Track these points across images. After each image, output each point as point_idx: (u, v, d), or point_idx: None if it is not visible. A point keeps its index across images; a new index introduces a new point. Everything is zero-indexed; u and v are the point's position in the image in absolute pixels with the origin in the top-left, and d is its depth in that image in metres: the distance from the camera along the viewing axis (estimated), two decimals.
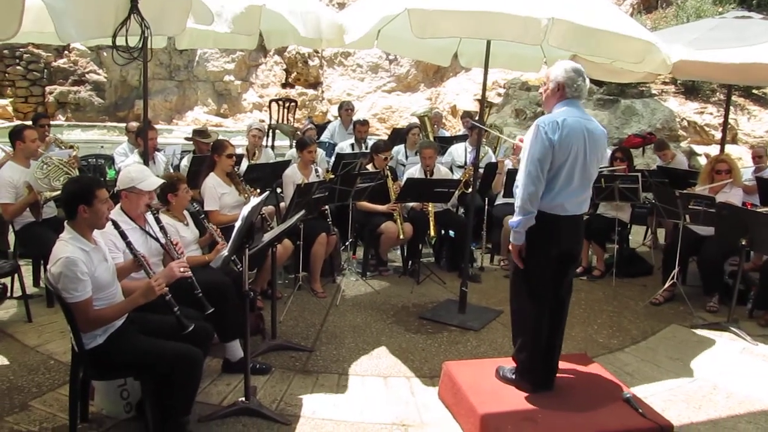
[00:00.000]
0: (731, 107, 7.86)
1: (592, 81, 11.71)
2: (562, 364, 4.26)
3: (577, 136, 3.80)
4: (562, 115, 3.84)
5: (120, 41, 4.19)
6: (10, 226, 5.92)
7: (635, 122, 12.67)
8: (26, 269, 5.95)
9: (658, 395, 4.52)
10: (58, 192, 5.55)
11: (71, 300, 3.34)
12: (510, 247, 4.06)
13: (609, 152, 7.88)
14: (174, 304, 3.65)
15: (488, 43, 5.64)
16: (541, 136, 3.78)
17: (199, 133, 7.95)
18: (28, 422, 3.89)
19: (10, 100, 14.13)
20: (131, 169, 4.44)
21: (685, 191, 6.43)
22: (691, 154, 9.97)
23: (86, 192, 3.49)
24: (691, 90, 13.85)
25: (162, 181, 4.56)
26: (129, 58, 4.34)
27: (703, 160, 10.02)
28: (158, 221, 4.37)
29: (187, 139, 8.29)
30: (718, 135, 11.84)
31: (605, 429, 3.78)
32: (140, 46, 4.41)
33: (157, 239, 4.27)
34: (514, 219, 3.92)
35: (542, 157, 3.77)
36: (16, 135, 5.89)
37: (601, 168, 6.94)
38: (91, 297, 3.39)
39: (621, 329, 5.83)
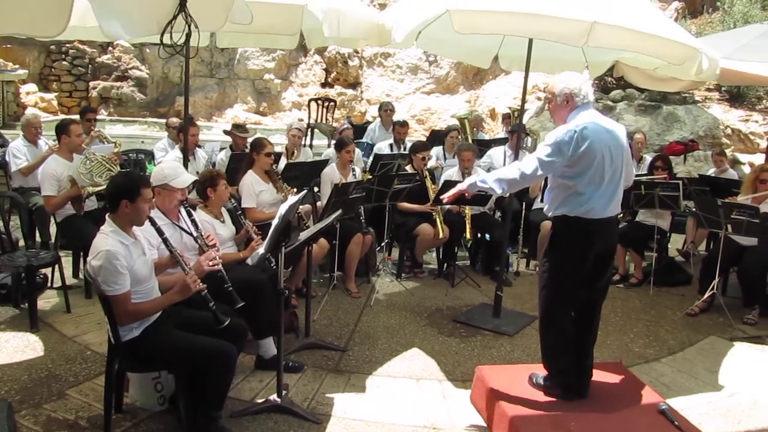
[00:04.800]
0: None
1: (634, 87, 11.59)
2: (597, 373, 4.20)
3: (600, 140, 3.81)
4: (580, 122, 3.84)
5: (165, 37, 4.24)
6: (52, 218, 6.03)
7: (677, 129, 12.44)
8: (66, 260, 6.05)
9: (695, 408, 4.42)
10: (100, 188, 5.64)
11: (111, 293, 3.39)
12: (463, 186, 4.13)
13: (648, 159, 7.76)
14: (210, 299, 3.69)
15: (530, 43, 5.57)
16: (559, 143, 3.80)
17: (237, 128, 8.02)
18: (65, 410, 3.96)
19: (56, 94, 14.43)
20: (164, 166, 4.49)
21: (727, 200, 6.30)
22: (734, 163, 9.77)
23: (132, 188, 3.55)
24: (735, 97, 13.57)
25: (194, 178, 4.59)
26: (172, 52, 4.38)
27: (747, 170, 9.81)
28: (189, 215, 4.41)
29: (225, 132, 8.37)
30: (764, 144, 11.62)
31: None
32: (184, 42, 4.45)
33: (189, 233, 4.31)
34: (484, 180, 4.01)
35: (549, 163, 3.83)
36: (62, 129, 6.01)
37: (638, 175, 6.87)
38: (129, 290, 3.44)
39: (658, 339, 5.73)
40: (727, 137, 12.96)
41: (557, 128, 3.92)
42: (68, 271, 6.09)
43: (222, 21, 4.44)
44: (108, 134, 8.06)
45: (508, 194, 3.98)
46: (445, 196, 4.29)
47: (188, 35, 4.32)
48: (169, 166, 4.45)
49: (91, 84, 14.93)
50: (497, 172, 4.12)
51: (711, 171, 8.96)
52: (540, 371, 4.24)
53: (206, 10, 4.35)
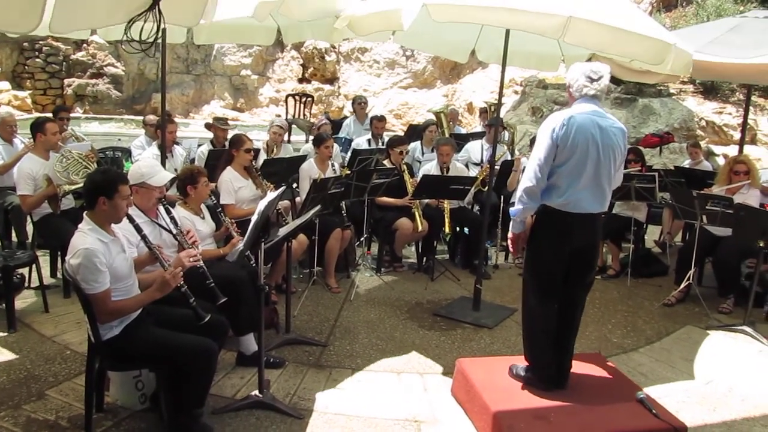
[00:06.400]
0: (751, 107, 7.79)
1: (611, 79, 11.69)
2: (576, 363, 4.25)
3: (585, 134, 3.80)
4: (571, 112, 3.87)
5: (135, 34, 4.20)
6: (29, 217, 5.97)
7: (653, 122, 12.59)
8: (44, 260, 6.01)
9: (672, 396, 4.50)
10: (77, 186, 5.59)
11: (91, 291, 3.37)
12: (509, 236, 4.22)
13: None
14: (190, 295, 3.68)
15: (507, 33, 5.58)
16: (546, 133, 3.85)
17: (219, 120, 8.00)
18: (45, 411, 3.93)
19: (29, 92, 14.27)
20: (141, 164, 4.44)
21: (702, 192, 6.39)
22: (709, 155, 9.91)
23: (109, 185, 3.52)
24: (710, 90, 13.74)
25: (172, 175, 4.57)
26: (138, 49, 4.34)
27: (721, 161, 9.94)
28: (168, 212, 4.39)
29: (206, 125, 8.33)
30: (737, 135, 11.78)
31: (618, 429, 3.77)
32: (154, 40, 4.41)
33: (169, 230, 4.29)
34: (512, 209, 4.09)
35: (545, 155, 3.85)
36: (37, 127, 5.92)
37: None
38: (110, 288, 3.42)
39: (635, 329, 5.80)
40: (702, 129, 13.14)
41: (545, 121, 3.96)
42: (46, 270, 6.04)
43: (197, 18, 4.42)
44: (82, 132, 7.99)
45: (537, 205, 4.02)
46: (512, 250, 4.42)
47: (161, 30, 4.28)
48: (146, 165, 4.41)
49: (66, 81, 14.80)
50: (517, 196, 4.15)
51: (686, 163, 9.08)
52: (520, 362, 4.28)
53: (180, 5, 4.32)
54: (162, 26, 4.13)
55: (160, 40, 4.35)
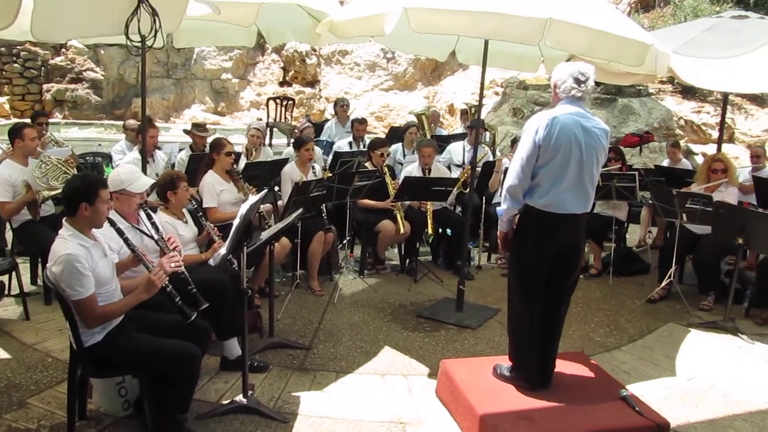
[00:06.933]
0: (728, 106, 7.86)
1: None
2: (559, 362, 4.27)
3: (569, 134, 3.81)
4: (554, 112, 3.88)
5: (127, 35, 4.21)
6: (8, 224, 5.92)
7: (632, 121, 12.68)
8: (24, 267, 5.95)
9: (655, 393, 4.53)
10: (57, 191, 5.55)
11: (76, 297, 3.33)
12: (498, 233, 4.25)
13: None
14: (175, 295, 3.67)
15: (486, 41, 5.63)
16: (530, 133, 3.86)
17: (197, 127, 7.95)
18: (27, 420, 3.89)
19: (7, 97, 14.13)
20: (121, 171, 4.38)
21: (682, 190, 6.45)
22: (688, 153, 10.02)
23: (90, 190, 3.49)
24: (688, 89, 13.85)
25: (152, 181, 4.53)
26: (143, 47, 4.34)
27: (700, 160, 10.05)
28: (149, 217, 4.35)
29: (185, 131, 8.28)
30: (715, 134, 11.88)
31: (602, 427, 3.79)
32: (152, 35, 4.40)
33: (150, 236, 4.26)
34: (499, 208, 4.10)
35: (527, 154, 3.86)
36: (15, 133, 5.86)
37: None
38: (95, 293, 3.40)
39: (618, 327, 5.84)
40: (681, 128, 13.25)
41: (529, 121, 3.97)
42: (26, 278, 5.99)
43: (177, 23, 4.42)
44: (62, 138, 7.93)
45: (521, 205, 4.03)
46: (501, 246, 4.41)
47: (158, 20, 4.27)
48: (125, 171, 4.36)
49: (45, 86, 14.65)
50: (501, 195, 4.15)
51: (666, 162, 9.15)
52: (504, 362, 4.29)
53: (161, 11, 4.32)
54: (155, 21, 4.14)
55: (159, 30, 4.34)
